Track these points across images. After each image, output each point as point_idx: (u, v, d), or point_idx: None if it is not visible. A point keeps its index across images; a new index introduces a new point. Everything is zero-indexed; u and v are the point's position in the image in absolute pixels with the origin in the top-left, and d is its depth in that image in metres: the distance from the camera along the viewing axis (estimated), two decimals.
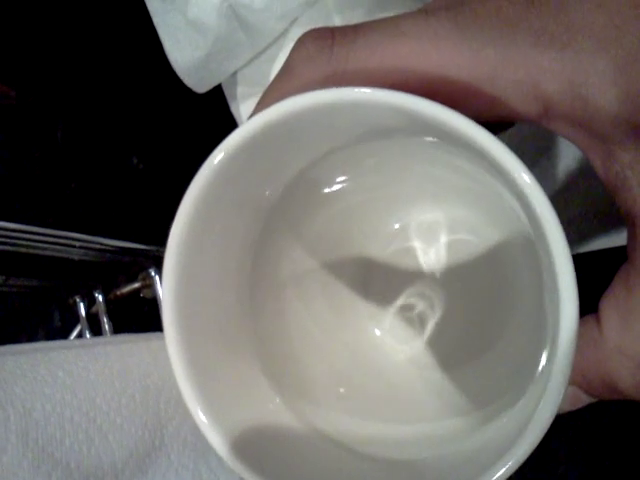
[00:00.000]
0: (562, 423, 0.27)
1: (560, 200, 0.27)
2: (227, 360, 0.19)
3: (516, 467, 0.14)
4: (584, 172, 0.27)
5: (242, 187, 0.18)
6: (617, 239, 0.27)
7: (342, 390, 0.22)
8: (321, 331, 0.23)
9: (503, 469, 0.14)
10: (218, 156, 0.16)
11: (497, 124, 0.15)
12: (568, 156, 0.27)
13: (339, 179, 0.21)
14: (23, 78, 0.43)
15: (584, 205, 0.27)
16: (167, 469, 0.23)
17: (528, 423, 0.13)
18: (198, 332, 0.18)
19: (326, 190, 0.21)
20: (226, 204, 0.18)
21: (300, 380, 0.21)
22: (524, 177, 0.13)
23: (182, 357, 0.17)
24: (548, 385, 0.13)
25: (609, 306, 0.15)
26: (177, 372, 0.17)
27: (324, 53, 0.16)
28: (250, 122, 0.15)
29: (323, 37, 0.16)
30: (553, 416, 0.13)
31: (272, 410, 0.20)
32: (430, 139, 0.17)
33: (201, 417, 0.16)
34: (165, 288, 0.17)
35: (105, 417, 0.21)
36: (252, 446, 0.17)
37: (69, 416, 0.20)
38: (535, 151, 0.28)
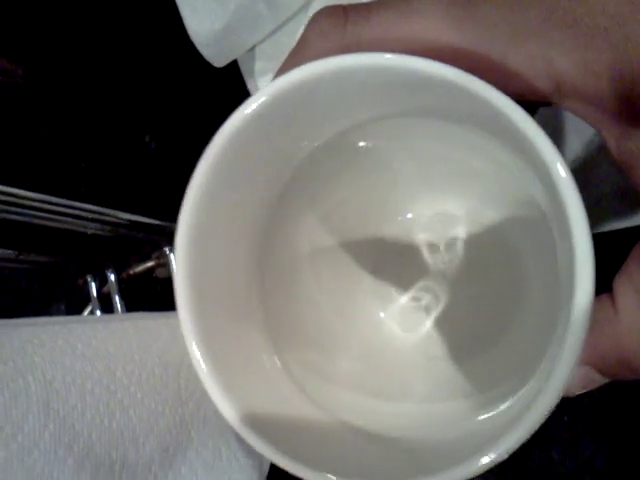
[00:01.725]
0: (587, 407, 0.27)
1: (586, 179, 0.27)
2: (239, 338, 0.19)
3: (527, 436, 0.13)
4: (605, 150, 0.27)
5: (265, 146, 0.17)
6: (637, 219, 0.27)
7: (350, 369, 0.22)
8: (332, 311, 0.23)
9: (516, 436, 0.14)
10: (247, 109, 0.15)
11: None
12: (588, 134, 0.27)
13: (362, 151, 0.21)
14: (30, 56, 0.43)
15: (604, 184, 0.27)
16: (187, 447, 0.22)
17: (536, 398, 0.13)
18: (210, 306, 0.17)
19: (346, 164, 0.21)
20: (247, 164, 0.17)
21: (310, 358, 0.21)
22: (546, 148, 0.13)
23: (196, 334, 0.17)
24: (560, 358, 0.13)
25: (624, 284, 0.15)
26: (191, 349, 0.17)
27: (337, 30, 0.16)
28: (274, 82, 0.15)
29: (336, 15, 0.16)
30: (562, 388, 0.13)
31: (282, 388, 0.20)
32: (457, 118, 0.17)
33: (217, 396, 0.16)
34: (178, 257, 0.16)
35: (126, 391, 0.20)
36: (265, 421, 0.17)
37: (90, 388, 0.19)
38: (554, 130, 0.27)
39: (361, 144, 0.20)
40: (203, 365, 0.16)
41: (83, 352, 0.20)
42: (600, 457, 0.26)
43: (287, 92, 0.15)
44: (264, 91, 0.15)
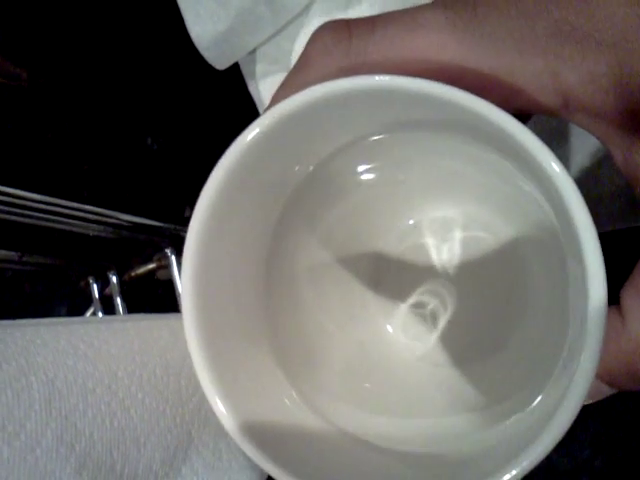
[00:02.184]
0: (585, 408, 0.27)
1: (590, 178, 0.27)
2: (243, 350, 0.19)
3: (544, 454, 0.13)
4: (595, 162, 0.27)
5: (265, 170, 0.18)
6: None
7: (355, 384, 0.22)
8: (335, 326, 0.23)
9: (534, 455, 0.13)
10: (250, 134, 0.16)
11: (516, 116, 0.15)
12: (577, 146, 0.27)
13: (360, 170, 0.21)
14: (34, 59, 0.43)
15: (613, 184, 0.27)
16: (188, 446, 0.22)
17: (556, 411, 0.13)
18: (215, 319, 0.18)
19: (345, 182, 0.21)
20: (249, 188, 0.18)
21: (314, 373, 0.21)
22: (552, 165, 0.13)
23: (199, 342, 0.17)
24: (577, 373, 0.13)
25: (631, 297, 0.15)
26: (194, 357, 0.17)
27: (342, 46, 0.16)
28: (268, 112, 0.15)
29: (340, 29, 0.16)
30: (581, 404, 0.13)
31: (286, 402, 0.20)
32: (453, 130, 0.17)
33: (218, 404, 0.17)
34: (185, 270, 0.17)
35: (127, 391, 0.21)
36: (266, 435, 0.17)
37: (91, 388, 0.19)
38: (561, 130, 0.28)
39: (357, 160, 0.20)
40: (207, 378, 0.17)
41: (85, 352, 0.20)
42: (598, 457, 0.26)
43: (288, 118, 0.15)
44: (266, 116, 0.15)
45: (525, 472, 0.13)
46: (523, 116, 0.17)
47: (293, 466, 0.16)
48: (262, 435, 0.16)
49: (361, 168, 0.21)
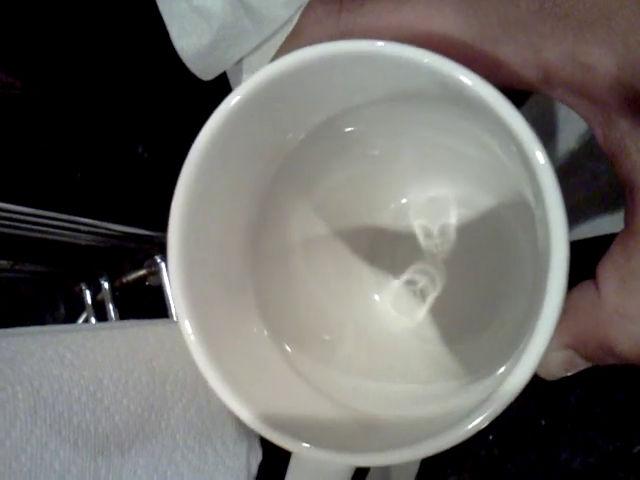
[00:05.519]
0: (564, 410, 0.28)
1: (565, 184, 0.27)
2: (233, 321, 0.19)
3: (493, 417, 0.14)
4: (590, 155, 0.27)
5: (254, 136, 0.18)
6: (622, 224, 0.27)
7: (344, 350, 0.22)
8: (327, 296, 0.23)
9: (478, 419, 0.14)
10: (233, 99, 0.16)
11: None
12: (574, 139, 0.27)
13: (352, 141, 0.21)
14: (28, 68, 0.44)
15: (590, 189, 0.27)
16: (173, 450, 0.23)
17: (514, 367, 0.13)
18: (203, 290, 0.17)
19: (337, 152, 0.21)
20: (237, 153, 0.17)
21: (304, 340, 0.21)
22: (521, 130, 0.14)
23: (188, 309, 0.16)
24: (531, 338, 0.13)
25: (607, 270, 0.15)
26: (183, 326, 0.16)
27: (332, 17, 0.16)
28: (262, 70, 0.15)
29: (332, 1, 0.16)
30: (534, 367, 0.13)
31: (274, 367, 0.20)
32: (442, 102, 0.17)
33: (204, 362, 0.16)
34: (171, 239, 0.16)
35: (112, 398, 0.21)
36: (255, 395, 0.17)
37: (77, 396, 0.20)
38: (541, 134, 0.28)
39: (349, 130, 0.20)
40: (193, 337, 0.16)
41: (72, 361, 0.21)
42: (577, 459, 0.27)
43: (276, 79, 0.15)
44: (249, 81, 0.15)
45: (469, 434, 0.14)
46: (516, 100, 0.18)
47: (280, 426, 0.16)
48: (251, 398, 0.17)
49: (351, 136, 0.21)
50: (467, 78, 0.14)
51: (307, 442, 0.16)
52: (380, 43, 0.14)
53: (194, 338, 0.16)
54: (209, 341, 0.17)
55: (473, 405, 0.14)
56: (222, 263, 0.19)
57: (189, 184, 0.16)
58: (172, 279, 0.16)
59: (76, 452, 0.19)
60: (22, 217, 0.25)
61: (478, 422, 0.14)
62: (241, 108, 0.16)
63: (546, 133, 0.28)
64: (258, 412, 0.16)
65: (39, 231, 0.26)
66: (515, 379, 0.13)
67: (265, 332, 0.20)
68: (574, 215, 0.28)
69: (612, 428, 0.27)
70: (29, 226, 0.25)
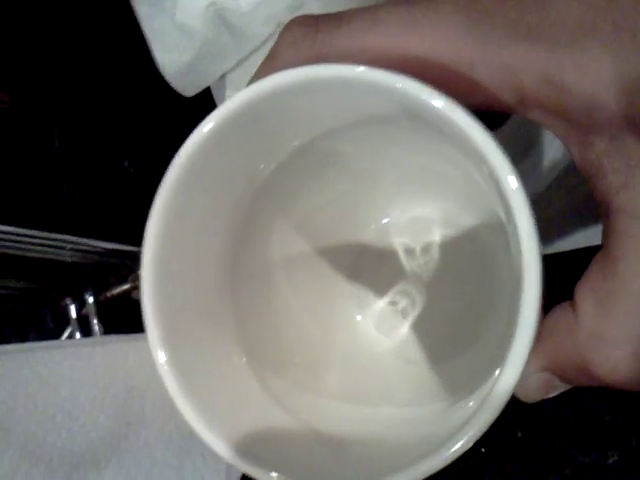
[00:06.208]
0: (540, 423, 0.28)
1: (543, 198, 0.28)
2: (210, 348, 0.19)
3: (472, 442, 0.14)
4: (568, 171, 0.28)
5: (232, 158, 0.18)
6: (599, 238, 0.27)
7: (326, 374, 0.22)
8: (308, 317, 0.23)
9: (458, 444, 0.14)
10: (206, 126, 0.16)
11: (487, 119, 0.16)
12: (551, 155, 0.28)
13: (331, 162, 0.21)
14: (16, 82, 0.44)
15: (567, 203, 0.27)
16: (151, 468, 0.23)
17: (491, 391, 0.14)
18: (178, 312, 0.17)
19: (318, 173, 0.21)
20: (213, 177, 0.17)
21: (283, 364, 0.21)
22: (490, 151, 0.14)
23: (160, 336, 0.16)
24: (509, 351, 0.13)
25: (585, 292, 0.15)
26: (155, 355, 0.16)
27: (308, 38, 0.16)
28: (236, 96, 0.15)
29: (308, 24, 0.16)
30: (515, 382, 0.13)
31: (252, 393, 0.20)
32: (417, 124, 0.17)
33: (177, 393, 0.16)
34: (145, 265, 0.16)
35: (88, 416, 0.21)
36: (229, 423, 0.17)
37: (52, 415, 0.20)
38: (518, 150, 0.28)
39: (329, 151, 0.20)
40: (166, 367, 0.16)
41: (48, 379, 0.21)
42: (553, 472, 0.27)
43: (252, 104, 0.15)
44: (226, 105, 0.15)
45: (447, 462, 0.14)
46: (494, 121, 0.18)
47: (254, 456, 0.16)
48: (226, 426, 0.16)
49: (331, 157, 0.21)
50: (438, 102, 0.14)
51: (279, 470, 0.15)
52: (351, 67, 0.15)
53: (167, 368, 0.16)
54: (183, 370, 0.16)
55: (453, 430, 0.14)
56: (200, 287, 0.19)
57: (163, 211, 0.16)
58: (144, 307, 0.16)
59: (51, 472, 0.19)
60: (6, 236, 0.25)
61: (456, 448, 0.14)
62: (215, 134, 0.16)
63: (523, 146, 0.28)
64: (231, 442, 0.16)
65: (23, 249, 0.26)
66: (489, 406, 0.14)
67: (244, 359, 0.20)
68: (550, 228, 0.29)
69: (587, 440, 0.27)
70: (13, 244, 0.25)
